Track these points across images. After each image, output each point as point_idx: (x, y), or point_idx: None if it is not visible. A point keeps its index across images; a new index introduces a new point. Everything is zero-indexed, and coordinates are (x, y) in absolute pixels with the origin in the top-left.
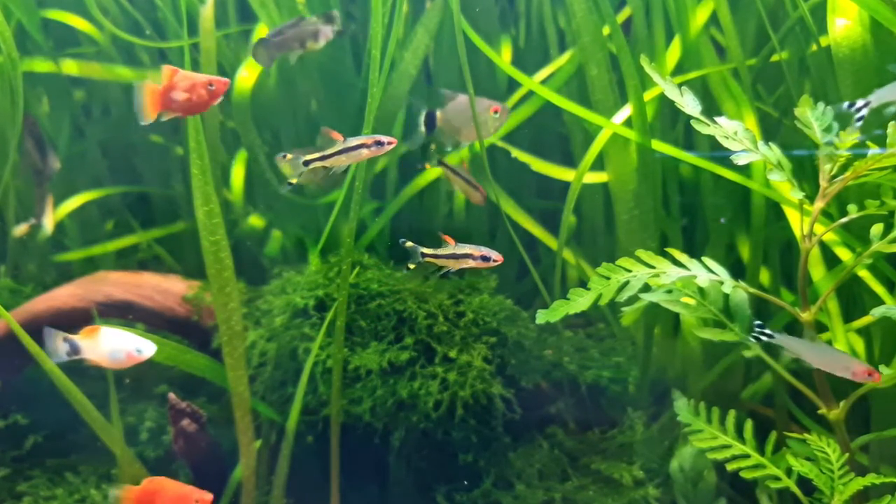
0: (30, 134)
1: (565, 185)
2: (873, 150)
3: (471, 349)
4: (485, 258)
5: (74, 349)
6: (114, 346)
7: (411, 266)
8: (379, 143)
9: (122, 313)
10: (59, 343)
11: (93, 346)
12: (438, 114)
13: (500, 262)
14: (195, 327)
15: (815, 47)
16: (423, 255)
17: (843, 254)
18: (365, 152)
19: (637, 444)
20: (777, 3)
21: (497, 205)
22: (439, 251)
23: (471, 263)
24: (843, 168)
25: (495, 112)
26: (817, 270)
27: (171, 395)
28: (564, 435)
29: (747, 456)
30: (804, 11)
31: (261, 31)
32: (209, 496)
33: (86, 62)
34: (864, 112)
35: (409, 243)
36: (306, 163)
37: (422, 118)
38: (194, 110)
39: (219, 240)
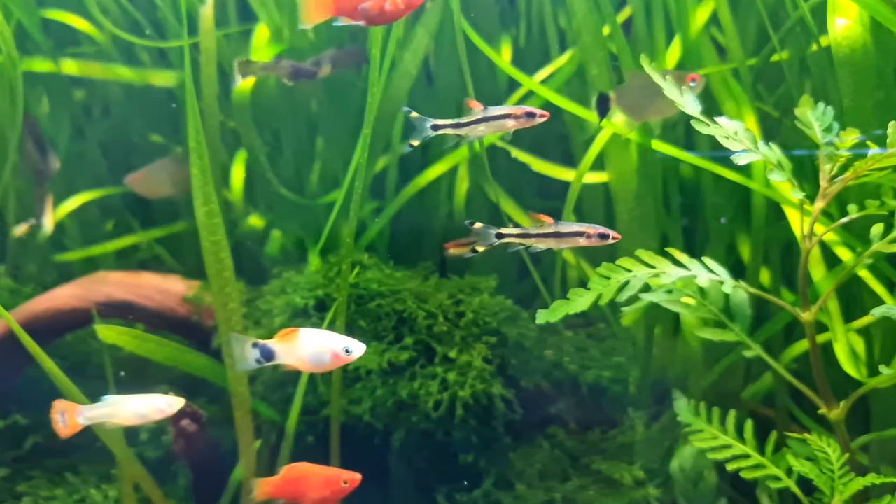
0: (30, 134)
1: (565, 185)
2: (874, 150)
3: (471, 349)
4: (602, 236)
5: (267, 355)
6: (317, 348)
7: (480, 249)
8: (530, 115)
9: (122, 313)
10: (247, 349)
11: (290, 351)
12: (612, 95)
13: (618, 240)
14: (195, 327)
15: (815, 47)
16: (500, 235)
17: (844, 254)
18: (510, 123)
19: (638, 445)
20: (777, 3)
21: (497, 205)
22: (532, 230)
23: (582, 243)
24: (844, 168)
25: (692, 81)
26: (818, 270)
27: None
28: (565, 435)
29: (748, 456)
30: (804, 11)
31: (261, 31)
32: (357, 475)
33: (86, 62)
34: None
35: (478, 224)
36: (435, 127)
37: (593, 102)
38: (380, 20)
39: (219, 240)
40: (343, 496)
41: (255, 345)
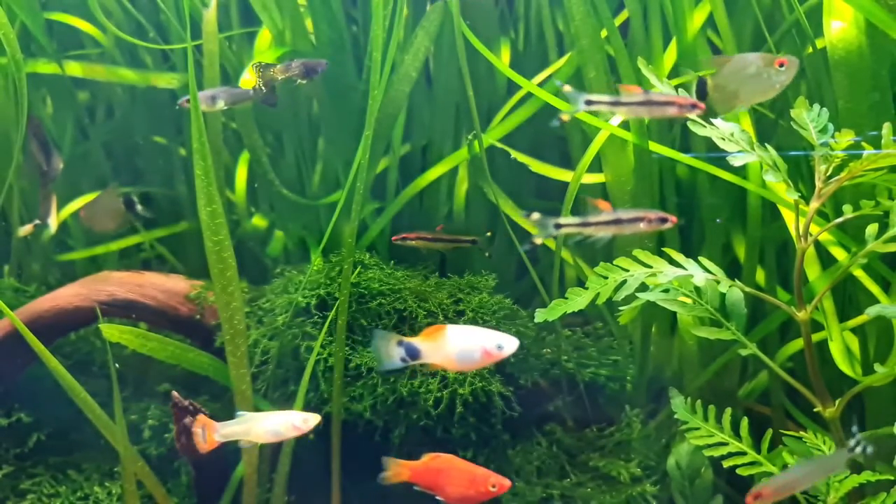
0: (34, 135)
1: (563, 186)
2: (868, 150)
3: None
4: (662, 220)
5: (412, 354)
6: (466, 345)
7: (538, 241)
8: (693, 106)
9: (126, 313)
10: (392, 348)
11: (436, 349)
12: (709, 80)
13: (675, 224)
14: (198, 326)
15: (810, 49)
16: (559, 225)
17: (839, 253)
18: (672, 110)
19: (634, 442)
20: (773, 5)
21: (496, 205)
22: (591, 218)
23: (642, 228)
24: (839, 169)
25: (780, 65)
26: (813, 270)
27: (175, 394)
28: (563, 432)
29: (744, 453)
30: (800, 14)
31: (263, 34)
32: (507, 482)
33: (89, 64)
34: None
35: (536, 214)
36: (589, 102)
37: (694, 87)
38: None
39: (222, 240)
40: (487, 499)
41: (400, 343)
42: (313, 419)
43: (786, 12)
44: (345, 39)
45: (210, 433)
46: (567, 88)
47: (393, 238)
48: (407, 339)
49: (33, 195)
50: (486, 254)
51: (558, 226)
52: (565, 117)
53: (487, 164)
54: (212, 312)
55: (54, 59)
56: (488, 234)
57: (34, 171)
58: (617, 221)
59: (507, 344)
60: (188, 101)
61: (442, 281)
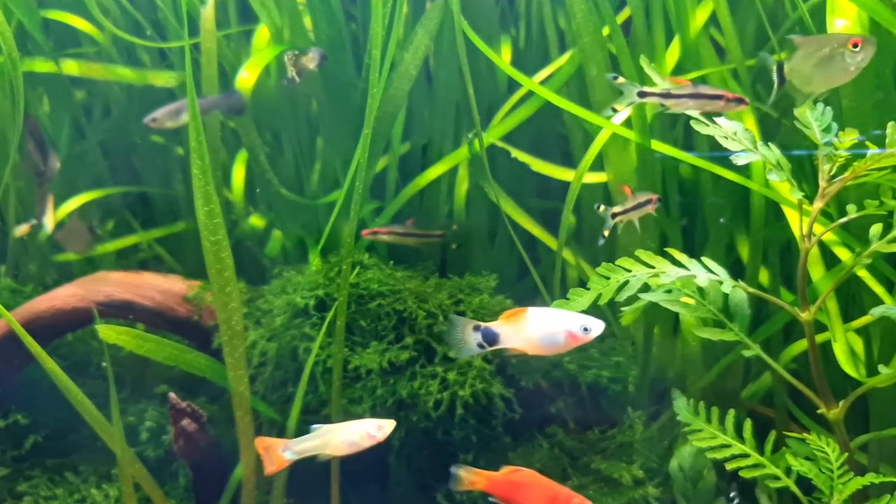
0: (30, 134)
1: (565, 185)
2: (872, 150)
3: None
4: (739, 101)
5: (490, 339)
6: (548, 328)
7: (606, 234)
8: (739, 101)
9: (123, 313)
10: (468, 333)
11: (516, 333)
12: (786, 65)
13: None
14: (196, 327)
15: None
16: (614, 215)
17: (843, 254)
18: (720, 104)
19: (637, 444)
20: (776, 3)
21: (497, 205)
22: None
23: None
24: (843, 168)
25: (854, 46)
26: (816, 270)
27: (172, 395)
28: (564, 434)
29: (747, 455)
30: (803, 12)
31: (261, 32)
32: (583, 501)
33: (86, 62)
34: None
35: (602, 207)
36: (642, 94)
37: (774, 71)
38: None
39: (220, 240)
40: None
41: (476, 328)
42: (388, 426)
43: (789, 10)
44: (344, 37)
45: (275, 453)
46: (621, 80)
47: (363, 232)
48: (484, 324)
49: (30, 195)
50: (454, 245)
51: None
52: (621, 80)
53: (488, 163)
54: (209, 313)
55: (51, 58)
56: (454, 227)
57: (31, 171)
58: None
59: (593, 326)
60: (153, 120)
61: (442, 281)
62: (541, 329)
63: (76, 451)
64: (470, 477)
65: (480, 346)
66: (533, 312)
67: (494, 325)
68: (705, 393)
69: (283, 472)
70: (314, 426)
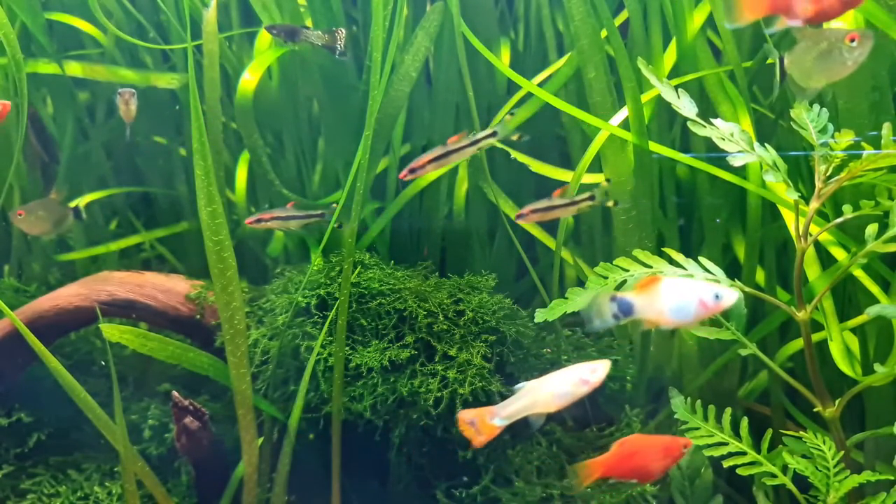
0: (32, 126)
1: (563, 186)
2: (868, 151)
3: (470, 347)
4: None
5: (625, 310)
6: (681, 297)
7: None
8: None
9: (126, 313)
10: (604, 304)
11: (650, 303)
12: (786, 58)
13: None
14: (198, 326)
15: None
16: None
17: (839, 253)
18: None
19: None
20: None
21: (496, 205)
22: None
23: None
24: (839, 169)
25: (851, 41)
26: (813, 270)
27: (175, 393)
28: (562, 432)
29: (744, 453)
30: None
31: (264, 34)
32: (689, 441)
33: (90, 64)
34: None
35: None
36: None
37: (777, 66)
38: (817, 19)
39: (222, 240)
40: (678, 461)
41: (613, 299)
42: (603, 367)
43: None
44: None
45: (484, 422)
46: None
47: (247, 221)
48: (620, 295)
49: (33, 195)
50: (338, 225)
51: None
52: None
53: (487, 164)
54: (212, 312)
55: (55, 60)
56: (333, 205)
57: (35, 164)
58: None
59: (725, 294)
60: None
61: (442, 281)
62: (673, 299)
63: (79, 449)
64: (585, 471)
65: (615, 317)
66: (667, 282)
67: (629, 296)
68: (702, 391)
69: (284, 469)
70: (518, 385)
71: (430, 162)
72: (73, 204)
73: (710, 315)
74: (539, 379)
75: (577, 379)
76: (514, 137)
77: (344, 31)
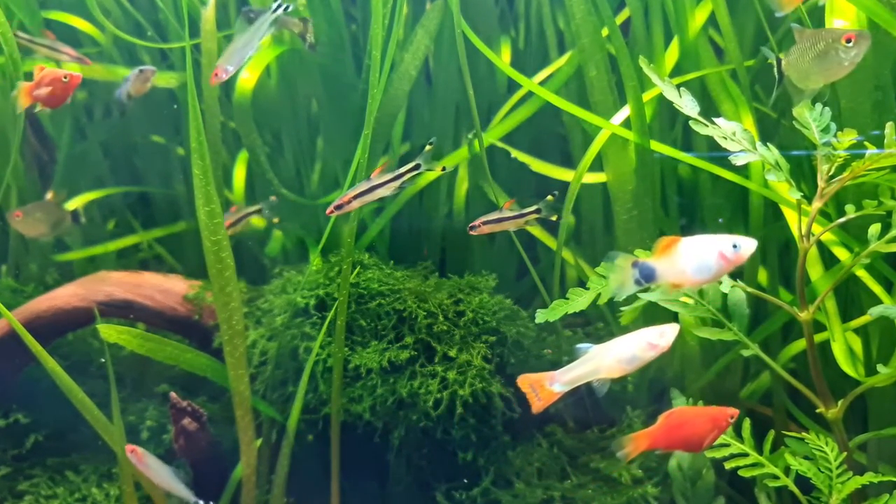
0: (31, 127)
1: (564, 186)
2: (871, 150)
3: (470, 348)
4: None
5: (647, 275)
6: (699, 255)
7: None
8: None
9: (124, 313)
10: (626, 272)
11: (671, 265)
12: (784, 59)
13: None
14: (196, 327)
15: None
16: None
17: (841, 253)
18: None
19: None
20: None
21: (497, 205)
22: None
23: None
24: (841, 168)
25: (847, 41)
26: (815, 270)
27: (173, 394)
28: (563, 433)
29: (745, 455)
30: (802, 13)
31: None
32: (735, 411)
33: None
34: None
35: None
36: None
37: (775, 67)
38: None
39: (220, 239)
40: (725, 431)
41: (634, 264)
42: (672, 330)
43: None
44: (344, 38)
45: (544, 389)
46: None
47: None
48: (641, 261)
49: (32, 195)
50: (274, 220)
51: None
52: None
53: (488, 164)
54: (210, 313)
55: (52, 59)
56: (272, 197)
57: (32, 161)
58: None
59: (743, 244)
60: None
61: (442, 281)
62: (693, 257)
63: (77, 450)
64: (632, 444)
65: (638, 283)
66: (684, 241)
67: (651, 261)
68: (704, 392)
69: (282, 471)
70: (581, 346)
71: (355, 197)
72: (71, 205)
73: (732, 267)
74: (603, 344)
75: (645, 343)
76: (438, 169)
77: (311, 21)
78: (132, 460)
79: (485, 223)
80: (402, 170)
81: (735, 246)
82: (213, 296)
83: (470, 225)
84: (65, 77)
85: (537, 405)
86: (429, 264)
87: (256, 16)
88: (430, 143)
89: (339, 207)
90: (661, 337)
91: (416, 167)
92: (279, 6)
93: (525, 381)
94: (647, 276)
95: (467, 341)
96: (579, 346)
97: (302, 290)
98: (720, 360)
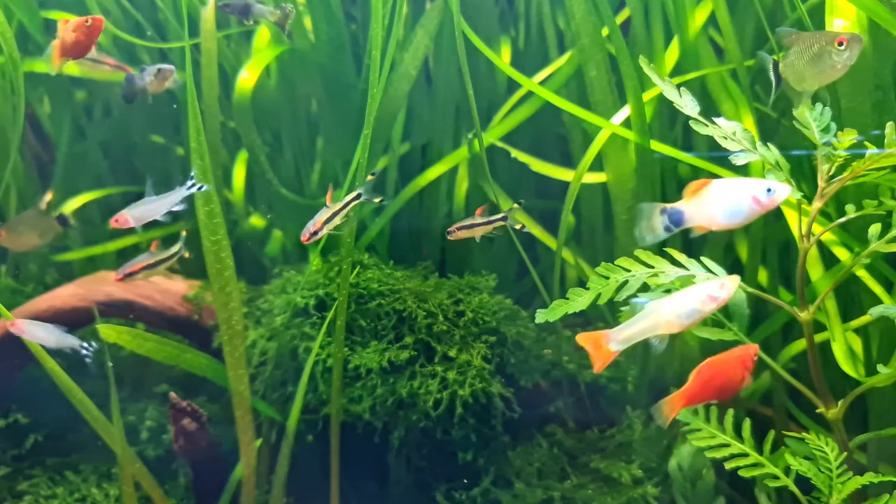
0: (28, 123)
1: (564, 185)
2: (871, 150)
3: (470, 348)
4: None
5: (676, 220)
6: (731, 198)
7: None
8: None
9: (123, 313)
10: (655, 218)
11: (700, 209)
12: (781, 62)
13: None
14: (196, 327)
15: None
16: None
17: (842, 253)
18: None
19: (636, 443)
20: (775, 4)
21: (497, 205)
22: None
23: None
24: (841, 168)
25: (840, 44)
26: (815, 270)
27: (172, 395)
28: (563, 434)
29: (746, 455)
30: (802, 13)
31: (262, 33)
32: (757, 347)
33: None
34: None
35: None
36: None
37: (770, 70)
38: None
39: (220, 239)
40: (752, 370)
41: (663, 211)
42: (731, 283)
43: (788, 11)
44: (344, 38)
45: (602, 346)
46: None
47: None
48: (670, 206)
49: (31, 194)
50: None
51: None
52: None
53: (487, 164)
54: (210, 313)
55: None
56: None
57: (31, 160)
58: None
59: (777, 188)
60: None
61: (442, 281)
62: (725, 200)
63: (76, 451)
64: (667, 407)
65: (667, 228)
66: (715, 184)
67: (679, 205)
68: None
69: (282, 471)
70: (638, 300)
71: (324, 223)
72: (71, 205)
73: (763, 212)
74: (659, 300)
75: (705, 296)
76: (377, 200)
77: (293, 10)
78: (15, 332)
79: (459, 228)
80: (347, 198)
81: (769, 190)
82: (213, 296)
83: (447, 230)
84: (87, 22)
85: (595, 365)
86: (429, 264)
87: (232, 10)
88: (372, 175)
89: (315, 234)
90: (722, 289)
91: (358, 196)
92: (193, 185)
93: (585, 339)
94: (675, 221)
95: (467, 341)
96: (636, 299)
97: (302, 290)
98: None
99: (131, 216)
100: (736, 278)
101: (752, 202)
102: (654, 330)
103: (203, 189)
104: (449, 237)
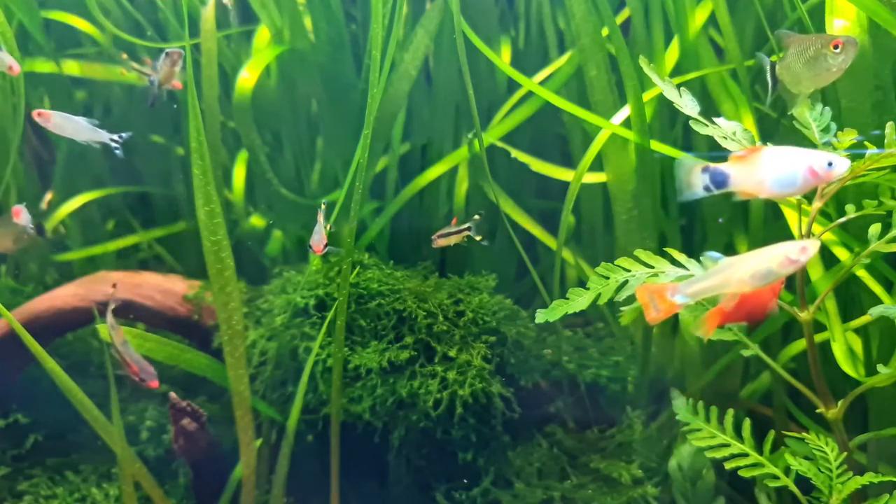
0: (31, 126)
1: (564, 186)
2: (871, 150)
3: (470, 348)
4: None
5: (719, 181)
6: (785, 167)
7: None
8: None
9: (123, 313)
10: (694, 175)
11: (749, 174)
12: (778, 64)
13: None
14: (196, 327)
15: None
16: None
17: (841, 253)
18: None
19: (636, 443)
20: (775, 4)
21: (496, 205)
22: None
23: None
24: None
25: (835, 47)
26: (815, 270)
27: (172, 395)
28: (563, 434)
29: (746, 455)
30: (802, 13)
31: (262, 33)
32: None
33: (87, 63)
34: None
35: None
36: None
37: (767, 71)
38: None
39: (220, 239)
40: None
41: (705, 169)
42: (813, 246)
43: (788, 11)
44: (344, 38)
45: (663, 300)
46: None
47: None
48: (713, 166)
49: (31, 194)
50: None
51: None
52: None
53: (487, 164)
54: (210, 313)
55: (52, 58)
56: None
57: (32, 159)
58: None
59: (838, 161)
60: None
61: (442, 281)
62: (776, 169)
63: (76, 451)
64: (707, 323)
65: (707, 188)
66: (769, 150)
67: (724, 166)
68: (704, 392)
69: (282, 471)
70: (712, 253)
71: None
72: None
73: (818, 185)
74: (734, 257)
75: (784, 257)
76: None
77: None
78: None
79: (439, 237)
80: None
81: (830, 164)
82: (213, 296)
83: (432, 237)
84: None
85: (653, 317)
86: (429, 264)
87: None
88: (324, 204)
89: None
90: (803, 252)
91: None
92: (117, 142)
93: (644, 290)
94: (718, 183)
95: (467, 341)
96: (710, 252)
97: (302, 290)
98: (720, 360)
99: (53, 116)
100: (816, 242)
101: (808, 173)
102: (723, 287)
103: (122, 138)
104: (432, 245)
